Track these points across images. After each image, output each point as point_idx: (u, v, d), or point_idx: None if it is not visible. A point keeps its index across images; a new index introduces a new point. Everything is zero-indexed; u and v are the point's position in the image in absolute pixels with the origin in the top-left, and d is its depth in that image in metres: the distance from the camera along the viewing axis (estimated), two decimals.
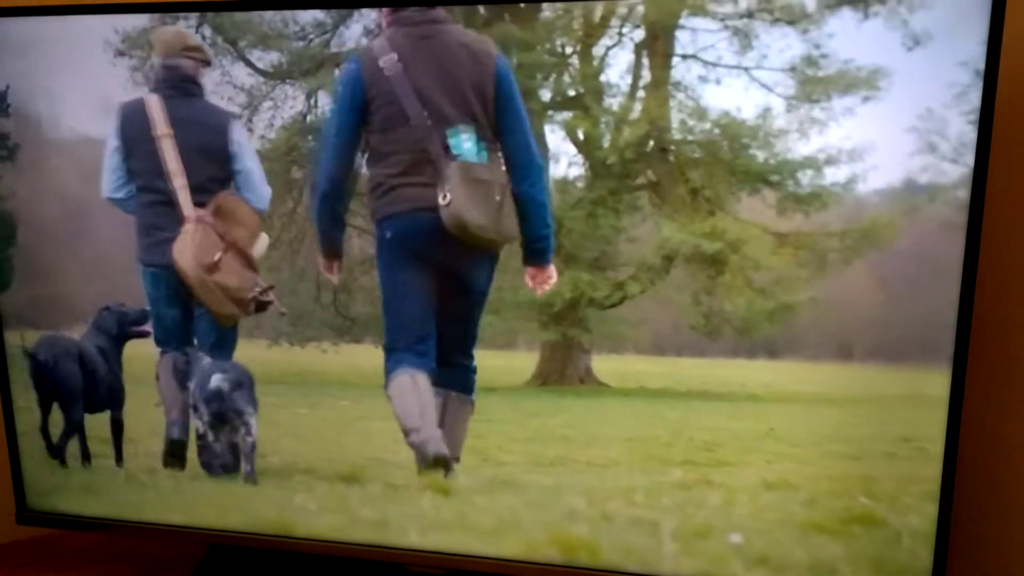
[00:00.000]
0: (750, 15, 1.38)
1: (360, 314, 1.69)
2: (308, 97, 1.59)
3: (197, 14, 1.56)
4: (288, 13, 1.54)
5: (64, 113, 1.67)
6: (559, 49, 1.48)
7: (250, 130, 1.55)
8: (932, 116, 1.33)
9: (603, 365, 1.61)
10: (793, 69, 1.38)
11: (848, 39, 1.35)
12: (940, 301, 1.39)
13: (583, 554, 1.56)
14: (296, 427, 1.75)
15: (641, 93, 1.47)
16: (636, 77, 1.47)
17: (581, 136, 1.51)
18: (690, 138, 1.46)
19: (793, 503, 1.50)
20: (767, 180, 1.43)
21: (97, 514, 1.79)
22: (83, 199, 1.72)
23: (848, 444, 1.48)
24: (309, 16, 1.54)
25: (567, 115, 1.50)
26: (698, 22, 1.41)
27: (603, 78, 1.48)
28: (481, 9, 1.47)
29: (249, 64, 1.59)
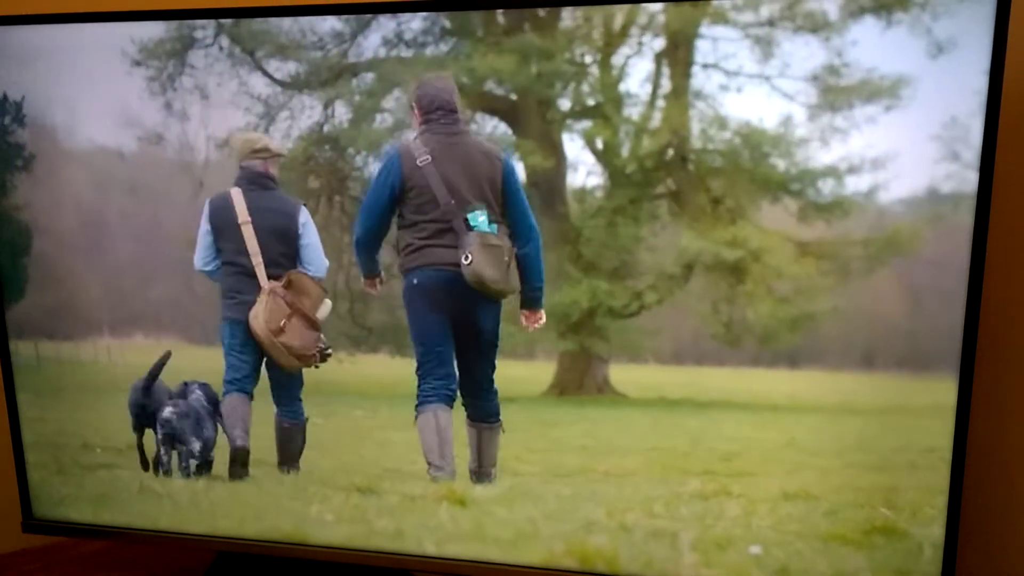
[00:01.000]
0: (772, 24, 1.38)
1: (376, 324, 1.69)
2: (325, 107, 1.58)
3: (215, 24, 1.56)
4: (306, 23, 1.53)
5: (80, 123, 1.66)
6: (579, 58, 1.48)
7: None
8: (956, 124, 1.32)
9: (621, 375, 1.60)
10: (815, 78, 1.38)
11: (871, 47, 1.34)
12: (963, 310, 1.37)
13: (601, 565, 1.55)
14: (312, 437, 1.74)
15: (661, 102, 1.47)
16: (656, 86, 1.46)
17: (600, 145, 1.50)
18: (711, 147, 1.45)
19: (814, 514, 1.49)
20: (788, 189, 1.43)
21: (111, 524, 1.78)
22: (98, 209, 1.72)
23: (870, 454, 1.47)
24: (327, 26, 1.54)
25: (586, 124, 1.50)
26: (719, 31, 1.40)
27: (623, 87, 1.47)
28: (500, 18, 1.47)
29: (266, 74, 1.58)
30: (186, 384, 1.54)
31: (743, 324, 1.49)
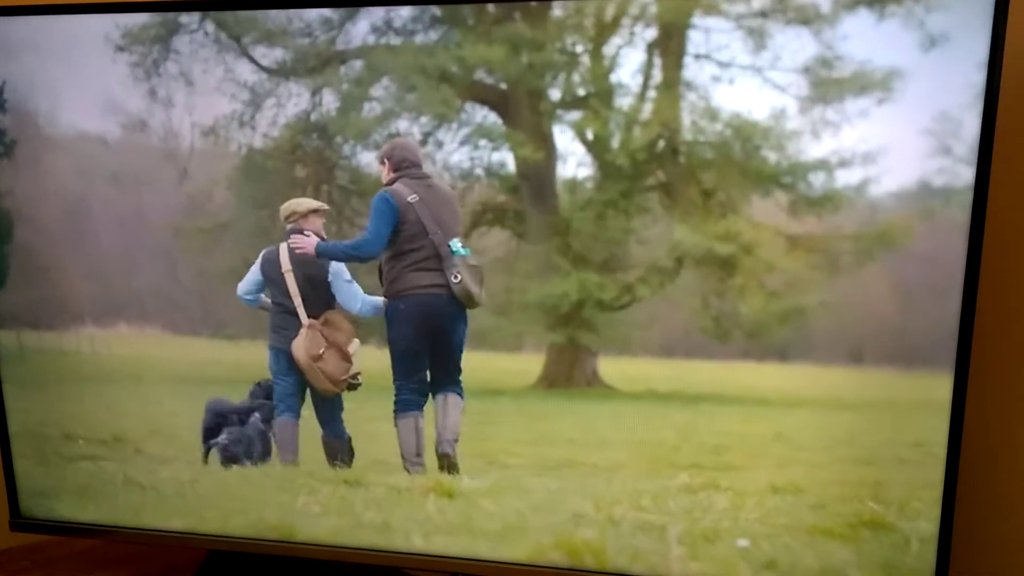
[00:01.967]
0: (764, 15, 1.36)
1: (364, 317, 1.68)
2: (313, 95, 1.56)
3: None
4: (293, 10, 1.51)
5: (63, 109, 1.64)
6: (570, 48, 1.46)
7: (251, 127, 1.58)
8: (948, 118, 1.32)
9: (610, 368, 1.60)
10: (807, 70, 1.37)
11: (864, 40, 1.34)
12: (954, 305, 1.37)
13: (589, 558, 1.55)
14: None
15: (652, 93, 1.45)
16: (647, 77, 1.45)
17: (591, 136, 1.49)
18: (702, 139, 1.44)
19: (802, 507, 1.49)
20: (779, 182, 1.42)
21: (95, 517, 1.76)
22: (82, 197, 1.69)
23: (858, 448, 1.47)
24: (315, 13, 1.52)
25: (577, 115, 1.48)
26: (712, 22, 1.39)
27: (614, 78, 1.46)
28: (491, 7, 1.45)
29: (253, 61, 1.56)
30: (252, 392, 1.60)
31: (733, 318, 1.49)
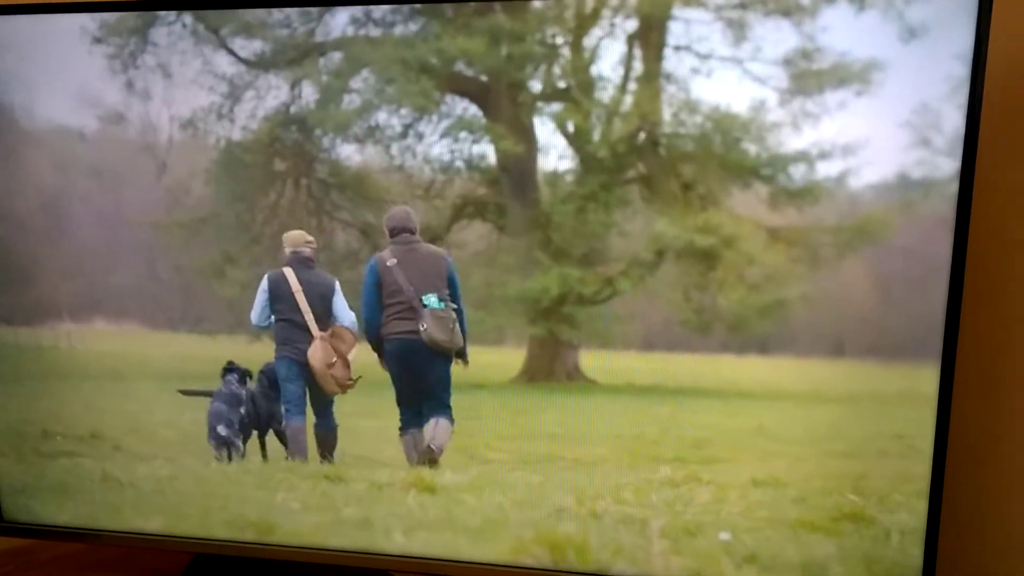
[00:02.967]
0: (744, 6, 1.36)
1: None
2: (292, 87, 1.55)
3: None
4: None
5: (39, 102, 1.62)
6: (550, 40, 1.46)
7: (230, 120, 1.59)
8: (927, 110, 1.32)
9: (592, 361, 1.59)
10: (787, 62, 1.37)
11: (843, 32, 1.34)
12: (933, 297, 1.38)
13: (571, 552, 1.55)
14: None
15: (633, 85, 1.45)
16: (628, 69, 1.44)
17: (572, 129, 1.48)
18: (682, 131, 1.44)
19: (783, 500, 1.49)
20: (759, 174, 1.42)
21: (74, 514, 1.74)
22: (58, 191, 1.67)
23: (839, 441, 1.47)
24: None
25: (558, 107, 1.48)
26: (692, 13, 1.39)
27: (594, 70, 1.45)
28: None
29: (231, 52, 1.55)
30: (227, 381, 1.69)
31: (714, 311, 1.48)
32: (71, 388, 1.75)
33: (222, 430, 1.65)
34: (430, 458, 1.63)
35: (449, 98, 1.51)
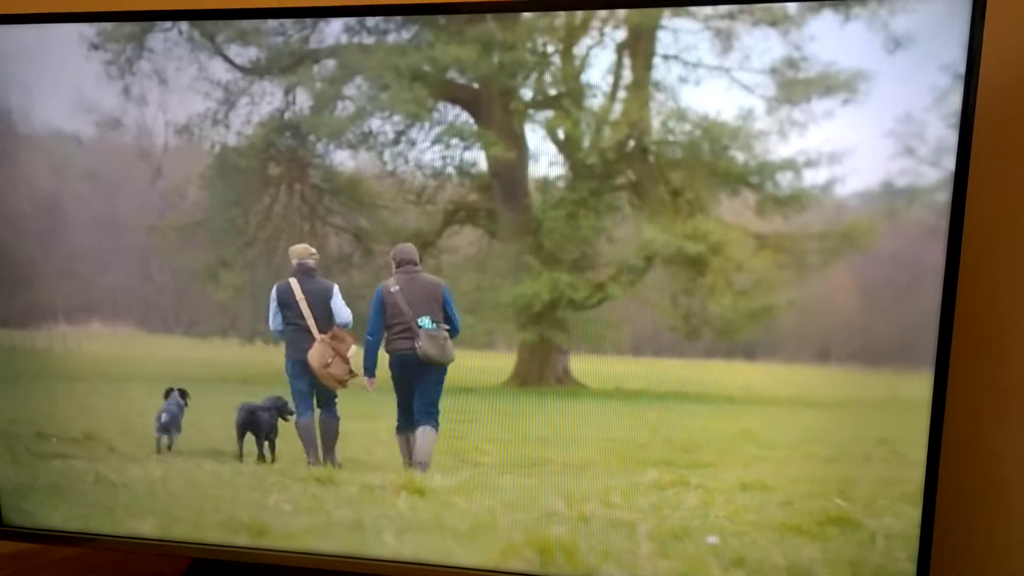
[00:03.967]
0: (732, 16, 1.38)
1: None
2: (286, 93, 1.57)
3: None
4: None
5: (37, 107, 1.64)
6: (541, 48, 1.48)
7: (225, 125, 1.61)
8: (911, 119, 1.34)
9: (581, 366, 1.61)
10: (774, 71, 1.38)
11: (829, 41, 1.35)
12: (918, 304, 1.39)
13: (560, 556, 1.56)
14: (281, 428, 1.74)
15: (622, 93, 1.47)
16: (617, 77, 1.46)
17: (562, 136, 1.50)
18: (671, 139, 1.46)
19: (770, 504, 1.50)
20: (747, 182, 1.43)
21: (67, 515, 1.76)
22: (55, 195, 1.69)
23: (825, 446, 1.49)
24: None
25: (548, 114, 1.49)
26: (680, 23, 1.41)
27: (584, 78, 1.47)
28: None
29: (227, 59, 1.57)
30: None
31: (702, 316, 1.50)
32: (66, 390, 1.77)
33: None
34: (421, 467, 1.67)
35: (441, 105, 1.53)
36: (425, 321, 1.59)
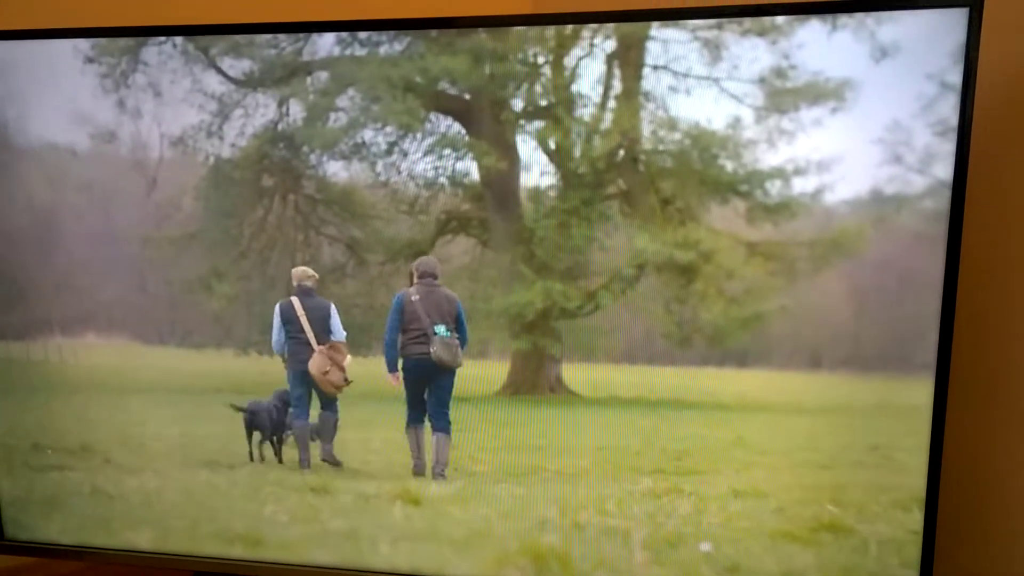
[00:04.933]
0: (720, 26, 1.39)
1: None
2: (280, 105, 1.58)
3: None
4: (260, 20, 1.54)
5: (32, 120, 1.65)
6: (531, 59, 1.49)
7: (219, 137, 1.62)
8: (899, 127, 1.35)
9: (574, 374, 1.61)
10: (762, 80, 1.40)
11: (817, 51, 1.37)
12: (908, 310, 1.40)
13: (554, 563, 1.56)
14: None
15: (612, 103, 1.48)
16: (607, 87, 1.48)
17: (553, 146, 1.51)
18: (661, 148, 1.47)
19: (763, 511, 1.51)
20: (737, 190, 1.44)
21: (63, 527, 1.76)
22: (50, 207, 1.70)
23: (817, 453, 1.49)
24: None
25: (539, 124, 1.51)
26: (669, 33, 1.42)
27: (575, 88, 1.49)
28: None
29: (220, 72, 1.58)
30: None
31: (694, 324, 1.51)
32: (62, 401, 1.77)
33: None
34: (441, 474, 1.70)
35: (433, 116, 1.54)
36: (440, 328, 1.66)
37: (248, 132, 1.60)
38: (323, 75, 1.56)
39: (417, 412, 1.71)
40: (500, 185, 1.55)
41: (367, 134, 1.57)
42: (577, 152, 1.50)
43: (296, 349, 1.70)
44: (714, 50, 1.41)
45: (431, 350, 1.65)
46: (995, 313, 1.63)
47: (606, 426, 1.60)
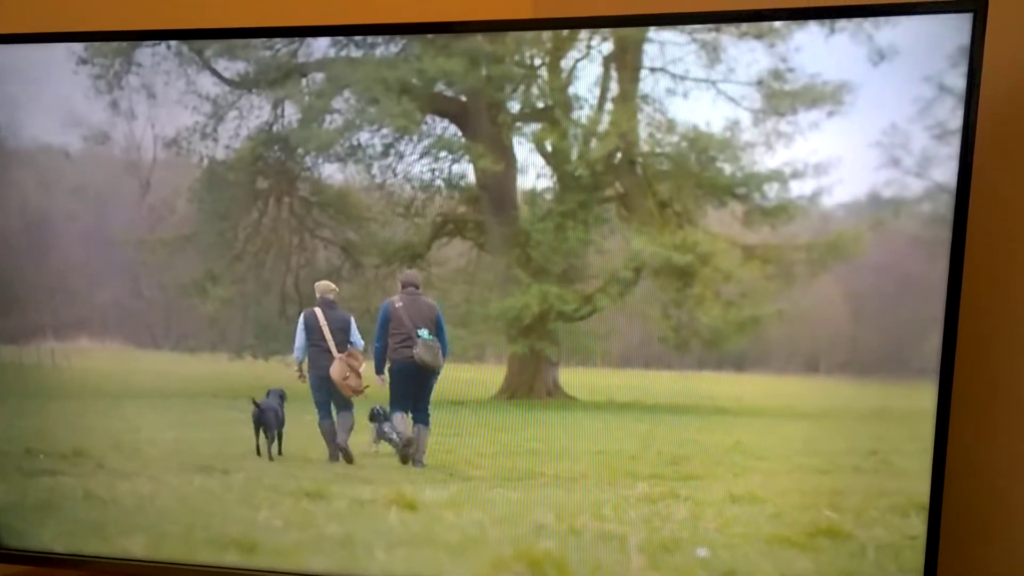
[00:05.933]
0: (717, 28, 1.39)
1: None
2: (275, 107, 1.57)
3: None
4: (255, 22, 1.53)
5: (25, 122, 1.64)
6: (528, 61, 1.49)
7: (213, 139, 1.61)
8: (896, 130, 1.35)
9: (571, 378, 1.61)
10: (760, 83, 1.39)
11: (815, 53, 1.36)
12: (906, 314, 1.40)
13: (550, 569, 1.56)
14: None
15: (609, 106, 1.48)
16: (604, 90, 1.47)
17: (550, 148, 1.51)
18: (658, 151, 1.47)
19: (760, 517, 1.50)
20: (734, 193, 1.44)
21: (56, 533, 1.75)
22: (43, 210, 1.69)
23: (815, 457, 1.49)
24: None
25: (536, 127, 1.50)
26: (666, 35, 1.42)
27: (571, 90, 1.48)
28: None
29: (215, 73, 1.57)
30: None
31: (691, 328, 1.50)
32: (55, 406, 1.76)
33: None
34: (419, 461, 1.72)
35: (429, 118, 1.54)
36: (423, 333, 1.70)
37: (243, 134, 1.59)
38: (318, 77, 1.55)
39: (400, 407, 1.73)
40: (496, 188, 1.55)
41: (363, 136, 1.56)
42: (574, 155, 1.50)
43: (316, 356, 1.75)
44: (712, 52, 1.40)
45: (415, 352, 1.70)
46: (997, 317, 1.63)
47: (603, 430, 1.60)
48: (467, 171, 1.55)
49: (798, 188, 1.41)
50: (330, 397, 1.77)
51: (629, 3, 1.51)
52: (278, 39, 1.54)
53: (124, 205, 1.66)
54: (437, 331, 1.72)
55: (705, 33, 1.40)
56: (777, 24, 1.37)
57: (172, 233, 1.66)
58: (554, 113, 1.49)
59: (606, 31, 1.44)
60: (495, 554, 1.57)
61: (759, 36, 1.38)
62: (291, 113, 1.57)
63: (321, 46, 1.54)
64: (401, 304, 1.71)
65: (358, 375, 1.77)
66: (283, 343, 1.71)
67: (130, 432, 1.75)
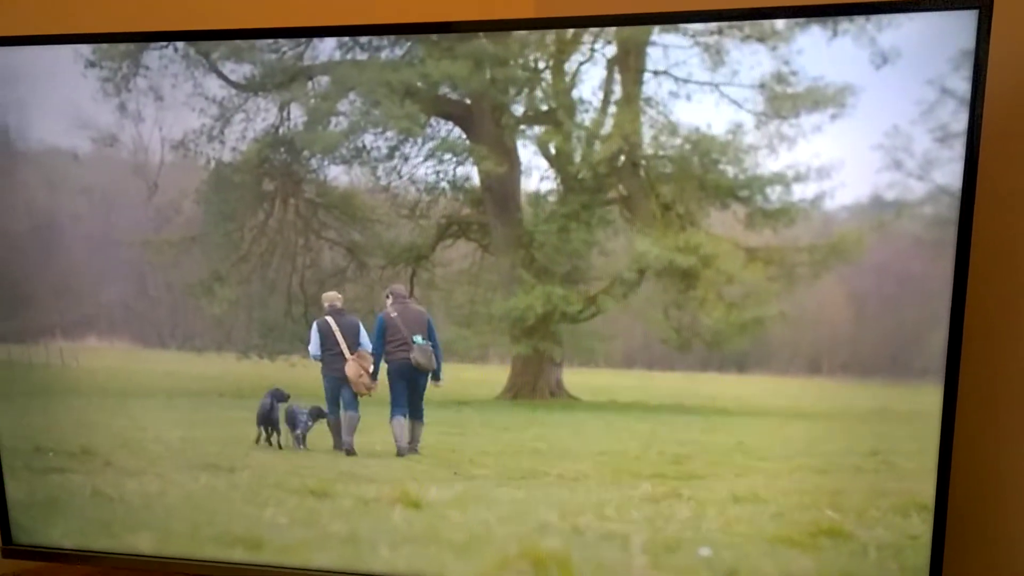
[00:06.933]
0: (720, 31, 1.40)
1: None
2: (281, 109, 1.58)
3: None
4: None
5: (33, 124, 1.65)
6: (532, 64, 1.49)
7: (220, 141, 1.63)
8: (899, 133, 1.35)
9: (574, 378, 1.62)
10: (763, 86, 1.40)
11: (817, 56, 1.37)
12: (908, 316, 1.40)
13: (554, 568, 1.56)
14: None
15: (613, 108, 1.48)
16: (608, 92, 1.48)
17: (553, 150, 1.51)
18: (661, 153, 1.47)
19: (762, 516, 1.51)
20: (737, 195, 1.45)
21: (64, 530, 1.76)
22: (52, 211, 1.70)
23: (817, 458, 1.50)
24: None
25: (539, 129, 1.51)
26: (669, 38, 1.42)
27: (575, 93, 1.49)
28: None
29: (222, 76, 1.58)
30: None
31: (693, 329, 1.51)
32: (63, 404, 1.77)
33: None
34: (413, 450, 1.77)
35: (434, 120, 1.54)
36: (418, 338, 1.75)
37: (249, 136, 1.60)
38: (324, 79, 1.56)
39: (400, 406, 1.77)
40: (501, 189, 1.56)
41: (368, 138, 1.57)
42: (577, 157, 1.51)
43: (330, 360, 1.79)
44: (715, 55, 1.41)
45: (411, 355, 1.75)
46: (1002, 318, 1.63)
47: (606, 430, 1.60)
48: (471, 173, 1.56)
49: (800, 191, 1.41)
50: (339, 397, 1.82)
51: (631, 5, 1.51)
52: (284, 42, 1.55)
53: (132, 206, 1.67)
54: (429, 335, 1.77)
55: (708, 36, 1.40)
56: (780, 27, 1.38)
57: (179, 234, 1.67)
58: (558, 116, 1.50)
59: (609, 34, 1.45)
60: (499, 552, 1.58)
61: (762, 39, 1.39)
62: (297, 116, 1.58)
63: (326, 49, 1.55)
64: (396, 313, 1.77)
65: (368, 375, 1.82)
66: (289, 343, 1.72)
67: (137, 430, 1.77)
